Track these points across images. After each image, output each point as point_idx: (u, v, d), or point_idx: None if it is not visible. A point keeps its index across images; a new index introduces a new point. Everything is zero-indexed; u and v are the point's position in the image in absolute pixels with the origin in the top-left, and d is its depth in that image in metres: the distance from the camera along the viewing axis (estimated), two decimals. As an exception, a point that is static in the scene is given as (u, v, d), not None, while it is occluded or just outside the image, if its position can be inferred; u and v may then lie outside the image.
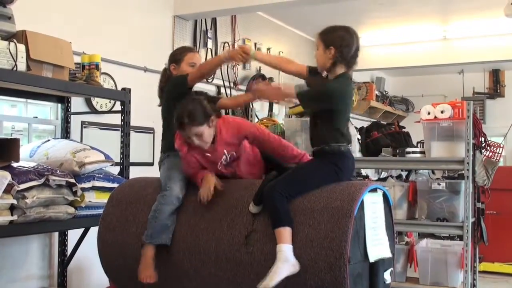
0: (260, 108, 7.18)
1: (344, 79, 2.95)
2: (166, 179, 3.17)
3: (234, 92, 6.83)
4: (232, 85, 6.77)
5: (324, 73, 3.03)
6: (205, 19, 6.31)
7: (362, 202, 2.77)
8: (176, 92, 3.32)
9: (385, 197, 3.01)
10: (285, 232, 2.71)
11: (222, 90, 6.63)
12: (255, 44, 7.23)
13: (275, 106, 7.39)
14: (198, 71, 3.29)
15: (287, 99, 3.05)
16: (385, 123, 5.67)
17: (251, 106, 6.66)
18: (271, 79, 7.29)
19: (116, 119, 4.63)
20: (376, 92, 9.38)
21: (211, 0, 5.83)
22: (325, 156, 2.89)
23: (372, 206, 2.85)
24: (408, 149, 4.79)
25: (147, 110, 5.42)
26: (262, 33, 7.37)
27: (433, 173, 5.70)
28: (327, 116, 2.90)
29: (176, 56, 3.41)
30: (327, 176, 2.87)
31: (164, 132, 3.43)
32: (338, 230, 2.66)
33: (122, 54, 5.20)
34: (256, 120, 5.67)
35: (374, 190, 2.90)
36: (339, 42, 2.93)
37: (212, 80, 6.44)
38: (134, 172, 4.42)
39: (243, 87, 6.95)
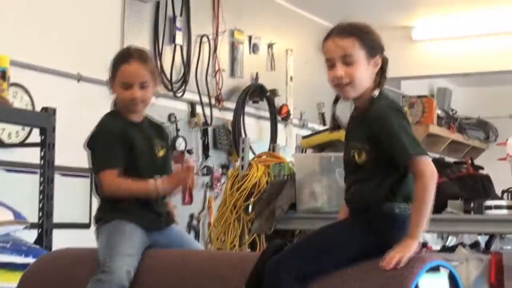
0: (257, 137, 7.20)
1: (393, 101, 3.01)
2: (106, 254, 3.17)
3: (216, 112, 6.86)
4: (214, 101, 6.81)
5: (348, 103, 3.10)
6: (172, 1, 6.36)
7: (417, 288, 2.77)
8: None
9: (453, 279, 3.02)
10: None
11: (199, 109, 6.66)
12: (250, 37, 7.29)
13: (281, 134, 7.42)
14: (113, 187, 3.29)
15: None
16: (451, 160, 5.69)
17: (243, 135, 6.69)
18: (274, 91, 7.35)
19: (33, 155, 4.63)
20: (438, 112, 9.42)
21: (181, -28, 5.93)
22: (368, 220, 2.91)
23: (433, 294, 2.86)
24: (489, 202, 4.79)
25: (82, 141, 5.41)
26: (260, 22, 7.44)
27: (529, 239, 5.70)
28: (385, 161, 2.94)
29: (111, 69, 3.44)
30: (364, 249, 2.88)
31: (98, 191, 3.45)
32: (380, 334, 2.66)
33: (43, 55, 5.24)
34: (252, 156, 5.68)
35: (435, 268, 2.90)
36: (381, 44, 3.00)
37: (183, 94, 6.48)
38: (60, 239, 4.41)
39: (231, 105, 6.99)
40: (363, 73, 2.95)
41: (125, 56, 3.43)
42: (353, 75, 2.93)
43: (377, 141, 2.88)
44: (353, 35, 2.96)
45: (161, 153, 3.48)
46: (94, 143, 3.39)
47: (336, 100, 3.34)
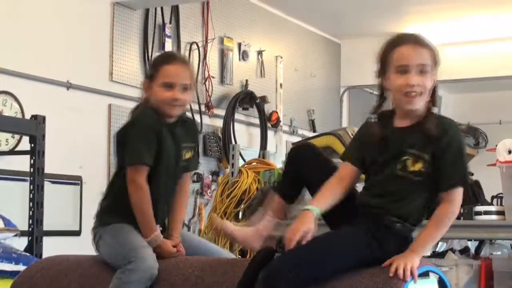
0: (247, 144, 7.22)
1: (454, 123, 3.03)
2: (125, 250, 3.16)
3: (206, 119, 6.87)
4: (204, 108, 6.83)
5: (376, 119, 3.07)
6: (162, 8, 6.38)
7: (406, 293, 2.79)
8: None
9: (442, 284, 3.02)
10: None
11: (188, 115, 6.67)
12: (239, 44, 7.32)
13: (271, 141, 7.44)
14: (137, 192, 3.23)
15: None
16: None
17: (233, 142, 6.71)
18: (264, 98, 7.37)
19: (23, 163, 4.64)
20: (428, 118, 9.46)
21: (170, -21, 5.96)
22: (377, 232, 2.92)
23: (422, 299, 2.87)
24: (478, 208, 4.81)
25: (72, 149, 5.43)
26: (250, 29, 7.46)
27: (518, 244, 5.72)
28: (430, 178, 2.97)
29: (150, 70, 3.39)
30: (363, 261, 2.89)
31: (111, 192, 3.40)
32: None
33: (33, 63, 5.25)
34: (242, 163, 5.70)
35: (424, 274, 2.90)
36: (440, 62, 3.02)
37: (173, 102, 6.49)
38: (51, 247, 4.41)
39: (221, 112, 7.01)
40: (430, 86, 2.96)
41: (168, 57, 3.42)
42: (425, 85, 2.92)
43: (437, 155, 2.91)
44: (429, 47, 2.98)
45: (187, 155, 3.43)
46: (131, 133, 3.28)
47: (375, 111, 3.27)
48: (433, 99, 2.99)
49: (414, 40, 2.98)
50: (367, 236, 2.93)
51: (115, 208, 3.32)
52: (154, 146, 3.25)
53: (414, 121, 2.98)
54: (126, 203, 3.26)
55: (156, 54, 6.34)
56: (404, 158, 2.94)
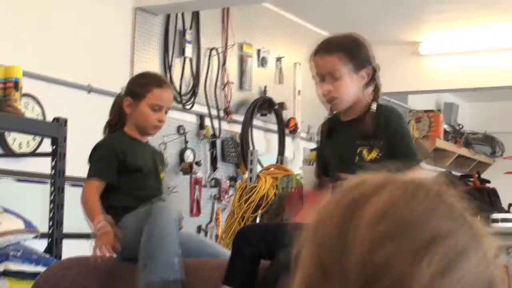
0: (265, 149, 7.23)
1: (395, 109, 3.08)
2: (144, 217, 3.28)
3: (224, 124, 6.88)
4: (222, 114, 6.84)
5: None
6: (183, 14, 6.40)
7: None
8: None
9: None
10: None
11: (207, 121, 6.69)
12: (259, 51, 7.33)
13: (288, 147, 7.44)
14: (83, 197, 3.51)
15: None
16: (458, 174, 5.71)
17: (251, 147, 6.71)
18: (282, 104, 7.37)
19: (44, 165, 4.67)
20: (445, 126, 9.47)
21: (191, -15, 5.97)
22: None
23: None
24: (495, 215, 4.82)
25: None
26: (269, 35, 7.48)
27: (535, 253, 5.69)
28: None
29: (137, 89, 3.50)
30: None
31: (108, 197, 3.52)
32: None
33: (55, 66, 5.27)
34: (259, 168, 5.70)
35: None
36: (369, 56, 3.10)
37: (192, 107, 6.51)
38: (70, 249, 4.43)
39: (240, 117, 7.02)
40: (350, 87, 3.05)
41: (159, 81, 3.55)
42: (338, 90, 3.03)
43: (389, 141, 3.00)
44: (339, 51, 3.08)
45: (162, 174, 3.55)
46: (92, 155, 3.58)
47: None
48: (375, 94, 3.08)
49: (322, 48, 3.17)
50: None
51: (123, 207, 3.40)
52: (113, 163, 3.48)
53: (357, 114, 3.09)
54: (126, 201, 3.45)
55: (176, 59, 6.38)
56: (359, 150, 3.02)
